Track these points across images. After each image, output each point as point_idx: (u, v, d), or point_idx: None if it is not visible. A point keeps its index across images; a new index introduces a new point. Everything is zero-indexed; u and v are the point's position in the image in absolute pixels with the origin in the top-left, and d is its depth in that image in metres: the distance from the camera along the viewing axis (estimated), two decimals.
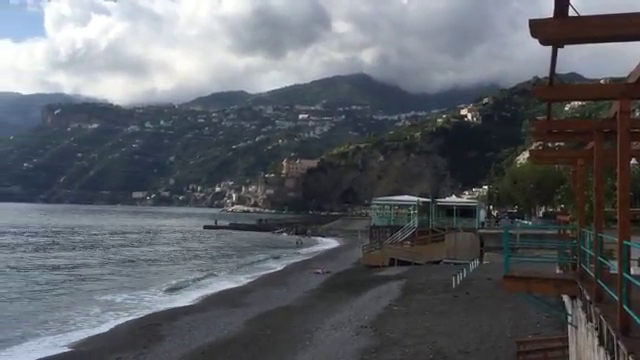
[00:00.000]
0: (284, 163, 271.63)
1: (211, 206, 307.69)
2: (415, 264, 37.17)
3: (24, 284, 33.13)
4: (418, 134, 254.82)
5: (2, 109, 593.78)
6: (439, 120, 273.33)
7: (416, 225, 41.96)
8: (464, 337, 15.92)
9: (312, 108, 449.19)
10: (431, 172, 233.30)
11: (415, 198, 46.72)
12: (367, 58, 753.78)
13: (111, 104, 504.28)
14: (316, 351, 15.93)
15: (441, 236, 40.00)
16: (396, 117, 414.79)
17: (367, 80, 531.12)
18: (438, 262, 37.27)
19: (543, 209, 73.08)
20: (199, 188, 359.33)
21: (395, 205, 46.46)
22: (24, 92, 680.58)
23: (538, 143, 16.01)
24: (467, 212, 43.47)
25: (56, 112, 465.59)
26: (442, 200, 49.61)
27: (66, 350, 18.20)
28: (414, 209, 43.50)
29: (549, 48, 5.45)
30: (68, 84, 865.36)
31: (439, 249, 38.65)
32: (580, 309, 8.29)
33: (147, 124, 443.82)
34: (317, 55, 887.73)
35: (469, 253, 35.99)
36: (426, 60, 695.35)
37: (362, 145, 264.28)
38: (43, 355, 17.62)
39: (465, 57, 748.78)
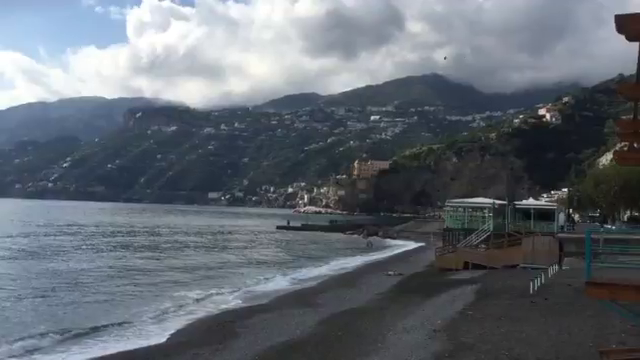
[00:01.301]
0: (356, 164, 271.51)
1: (283, 207, 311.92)
2: (490, 268, 36.26)
3: (103, 278, 34.72)
4: (493, 135, 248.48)
5: (88, 113, 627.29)
6: (516, 120, 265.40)
7: (491, 228, 40.88)
8: (542, 345, 15.38)
9: (384, 109, 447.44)
10: (507, 174, 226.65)
11: (490, 200, 45.50)
12: (441, 58, 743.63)
13: (188, 107, 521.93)
14: (388, 354, 15.81)
15: (518, 240, 38.78)
16: (470, 118, 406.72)
17: (440, 80, 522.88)
18: (514, 266, 36.16)
19: (628, 213, 69.55)
20: (272, 189, 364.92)
21: (469, 207, 45.41)
22: (108, 96, 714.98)
23: (623, 144, 15.27)
24: (545, 215, 41.91)
25: (137, 115, 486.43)
26: (519, 203, 48.02)
27: (146, 344, 18.94)
28: (489, 212, 42.38)
29: (636, 44, 5.21)
30: (148, 88, 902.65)
31: (516, 253, 37.49)
32: None
33: (222, 126, 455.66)
34: (390, 56, 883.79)
35: (547, 258, 34.71)
36: (502, 59, 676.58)
37: (435, 146, 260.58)
38: (124, 349, 18.41)
39: (544, 55, 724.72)
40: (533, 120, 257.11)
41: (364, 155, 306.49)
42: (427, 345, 16.09)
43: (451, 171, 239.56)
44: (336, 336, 18.29)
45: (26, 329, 20.62)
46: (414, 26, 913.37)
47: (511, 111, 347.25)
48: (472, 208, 45.23)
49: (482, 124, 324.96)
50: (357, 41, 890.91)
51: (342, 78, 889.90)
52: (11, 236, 67.32)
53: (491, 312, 20.95)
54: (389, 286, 32.02)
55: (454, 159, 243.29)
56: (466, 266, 37.83)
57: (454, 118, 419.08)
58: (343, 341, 17.56)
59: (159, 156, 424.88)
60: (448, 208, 47.21)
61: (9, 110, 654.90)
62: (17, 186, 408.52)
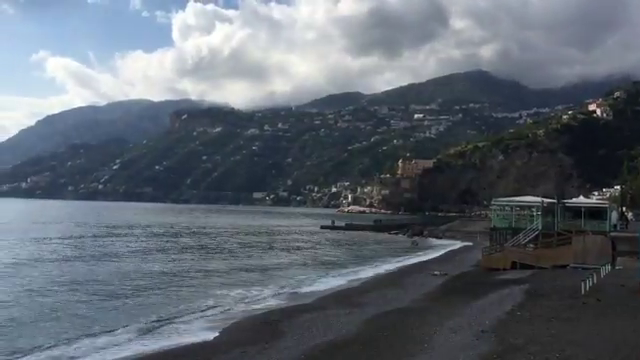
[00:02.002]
0: (399, 163, 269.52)
1: (327, 206, 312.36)
2: (539, 268, 35.46)
3: (152, 277, 35.51)
4: (541, 132, 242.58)
5: (136, 115, 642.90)
6: (564, 116, 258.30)
7: (540, 227, 39.96)
8: (595, 347, 14.97)
9: (428, 107, 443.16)
10: (555, 172, 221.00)
11: (538, 199, 44.44)
12: (486, 54, 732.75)
13: (232, 108, 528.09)
14: (435, 354, 15.67)
15: (568, 239, 37.78)
16: (517, 114, 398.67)
17: (485, 77, 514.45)
18: (564, 266, 35.26)
19: None
20: (315, 189, 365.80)
21: (516, 206, 44.46)
22: (154, 99, 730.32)
23: None
24: (597, 213, 40.65)
25: (183, 117, 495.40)
26: (568, 201, 46.74)
27: (194, 341, 19.30)
28: (537, 210, 41.42)
29: None
30: (194, 90, 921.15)
31: (565, 253, 36.54)
32: None
33: (266, 127, 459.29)
34: (433, 53, 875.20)
35: (599, 257, 33.72)
36: (550, 54, 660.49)
37: (480, 144, 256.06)
38: (173, 346, 18.81)
39: (594, 49, 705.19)
40: (582, 116, 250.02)
41: (408, 154, 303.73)
42: (475, 346, 15.87)
43: (497, 169, 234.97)
44: (382, 336, 18.23)
45: (81, 328, 21.48)
46: (458, 22, 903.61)
47: (559, 107, 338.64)
48: (520, 207, 44.27)
49: (529, 121, 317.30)
50: (400, 39, 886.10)
51: (385, 77, 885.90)
52: (72, 237, 69.68)
53: (541, 313, 20.51)
54: (435, 286, 31.70)
55: (500, 157, 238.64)
56: (514, 266, 37.10)
57: (500, 115, 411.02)
58: (389, 341, 17.48)
59: (204, 157, 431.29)
60: (495, 207, 46.28)
61: (61, 114, 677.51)
62: (69, 188, 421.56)
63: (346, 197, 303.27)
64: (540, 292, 25.64)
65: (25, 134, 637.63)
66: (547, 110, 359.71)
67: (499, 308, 21.94)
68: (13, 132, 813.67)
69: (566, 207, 42.46)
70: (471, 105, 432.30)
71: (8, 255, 46.22)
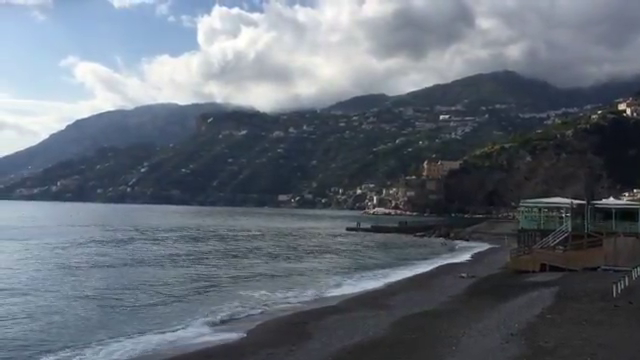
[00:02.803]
0: (425, 165, 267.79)
1: (352, 208, 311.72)
2: (569, 270, 34.91)
3: (179, 280, 35.88)
4: (569, 132, 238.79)
5: (163, 119, 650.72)
6: (593, 116, 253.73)
7: (569, 229, 39.36)
8: (628, 351, 14.71)
9: (453, 108, 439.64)
10: (585, 172, 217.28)
11: (567, 200, 43.78)
12: (513, 54, 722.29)
13: (258, 111, 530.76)
14: (463, 357, 15.57)
15: (598, 241, 37.16)
16: (544, 115, 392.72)
17: (512, 77, 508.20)
18: (595, 269, 34.67)
19: None
20: (340, 191, 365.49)
21: (545, 207, 43.84)
22: (181, 103, 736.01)
23: None
24: (629, 215, 39.86)
25: (209, 120, 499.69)
26: (599, 202, 45.93)
27: (221, 342, 19.45)
28: (567, 212, 40.81)
29: None
30: (219, 94, 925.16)
31: (596, 255, 35.93)
32: None
33: (291, 129, 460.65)
34: (459, 54, 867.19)
35: (631, 259, 33.07)
36: (578, 52, 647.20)
37: (507, 145, 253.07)
38: (201, 346, 18.99)
39: (623, 47, 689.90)
40: (612, 115, 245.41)
41: (433, 155, 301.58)
42: (504, 349, 15.71)
43: (525, 170, 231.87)
44: (409, 338, 18.15)
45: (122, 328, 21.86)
46: (484, 22, 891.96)
47: (588, 107, 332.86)
48: (548, 208, 43.65)
49: (557, 121, 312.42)
50: (425, 40, 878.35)
51: (410, 78, 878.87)
52: (106, 242, 70.85)
53: (571, 316, 20.21)
54: (462, 288, 31.43)
55: (528, 158, 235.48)
56: (543, 268, 36.58)
57: (527, 115, 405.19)
58: (417, 343, 17.40)
59: (230, 160, 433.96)
60: (522, 208, 45.71)
61: (90, 118, 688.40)
62: (98, 191, 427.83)
63: (371, 199, 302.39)
64: (570, 295, 25.26)
65: (55, 138, 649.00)
66: (576, 110, 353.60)
67: (528, 311, 21.67)
68: (44, 136, 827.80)
69: (596, 208, 41.74)
70: (497, 106, 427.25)
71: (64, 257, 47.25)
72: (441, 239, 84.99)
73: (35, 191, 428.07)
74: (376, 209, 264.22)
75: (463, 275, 37.50)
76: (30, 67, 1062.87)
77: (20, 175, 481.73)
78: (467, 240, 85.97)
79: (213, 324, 22.76)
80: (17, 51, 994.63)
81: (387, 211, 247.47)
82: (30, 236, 71.76)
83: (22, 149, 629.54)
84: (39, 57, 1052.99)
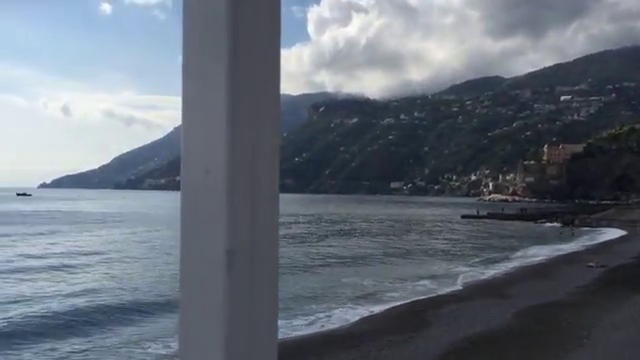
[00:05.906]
0: (545, 149, 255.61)
1: (467, 195, 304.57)
2: None
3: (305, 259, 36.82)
4: None
5: None
6: None
7: None
8: None
9: (576, 88, 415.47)
10: None
11: None
12: None
13: (368, 98, 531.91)
14: (595, 351, 14.69)
15: None
16: None
17: None
18: None
19: None
20: (454, 177, 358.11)
21: None
22: (293, 93, 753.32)
23: None
24: None
25: (320, 110, 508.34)
26: None
27: (341, 328, 19.76)
28: None
29: None
30: (330, 82, 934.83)
31: None
32: None
33: (402, 116, 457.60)
34: (582, 30, 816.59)
35: None
36: None
37: (638, 126, 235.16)
38: (323, 331, 19.39)
39: None
40: None
41: (554, 139, 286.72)
42: None
43: None
44: (535, 330, 17.42)
45: None
46: None
47: None
48: None
49: None
50: (545, 17, 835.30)
51: (528, 58, 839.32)
52: None
53: None
54: (591, 278, 29.62)
55: None
56: None
57: None
58: (543, 335, 16.67)
59: (342, 148, 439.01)
60: None
61: None
62: None
63: (487, 185, 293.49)
64: None
65: (179, 131, 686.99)
66: None
67: None
68: (169, 129, 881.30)
69: None
70: (626, 84, 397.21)
71: None
72: (565, 226, 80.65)
73: (162, 181, 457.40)
74: (492, 195, 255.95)
75: (591, 264, 35.35)
76: (152, 64, 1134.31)
77: (148, 167, 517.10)
78: (594, 227, 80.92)
79: (326, 310, 23.05)
80: (140, 49, 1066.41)
81: (504, 197, 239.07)
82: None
83: (148, 142, 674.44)
84: (161, 55, 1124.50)
